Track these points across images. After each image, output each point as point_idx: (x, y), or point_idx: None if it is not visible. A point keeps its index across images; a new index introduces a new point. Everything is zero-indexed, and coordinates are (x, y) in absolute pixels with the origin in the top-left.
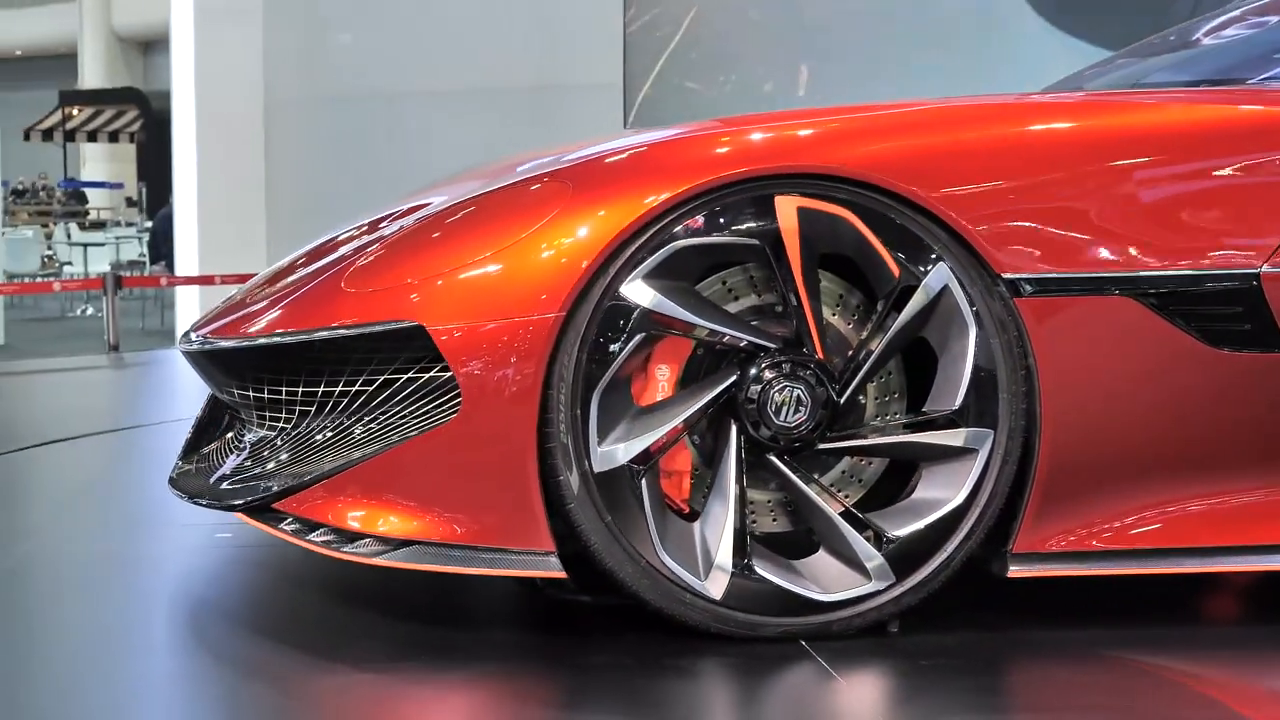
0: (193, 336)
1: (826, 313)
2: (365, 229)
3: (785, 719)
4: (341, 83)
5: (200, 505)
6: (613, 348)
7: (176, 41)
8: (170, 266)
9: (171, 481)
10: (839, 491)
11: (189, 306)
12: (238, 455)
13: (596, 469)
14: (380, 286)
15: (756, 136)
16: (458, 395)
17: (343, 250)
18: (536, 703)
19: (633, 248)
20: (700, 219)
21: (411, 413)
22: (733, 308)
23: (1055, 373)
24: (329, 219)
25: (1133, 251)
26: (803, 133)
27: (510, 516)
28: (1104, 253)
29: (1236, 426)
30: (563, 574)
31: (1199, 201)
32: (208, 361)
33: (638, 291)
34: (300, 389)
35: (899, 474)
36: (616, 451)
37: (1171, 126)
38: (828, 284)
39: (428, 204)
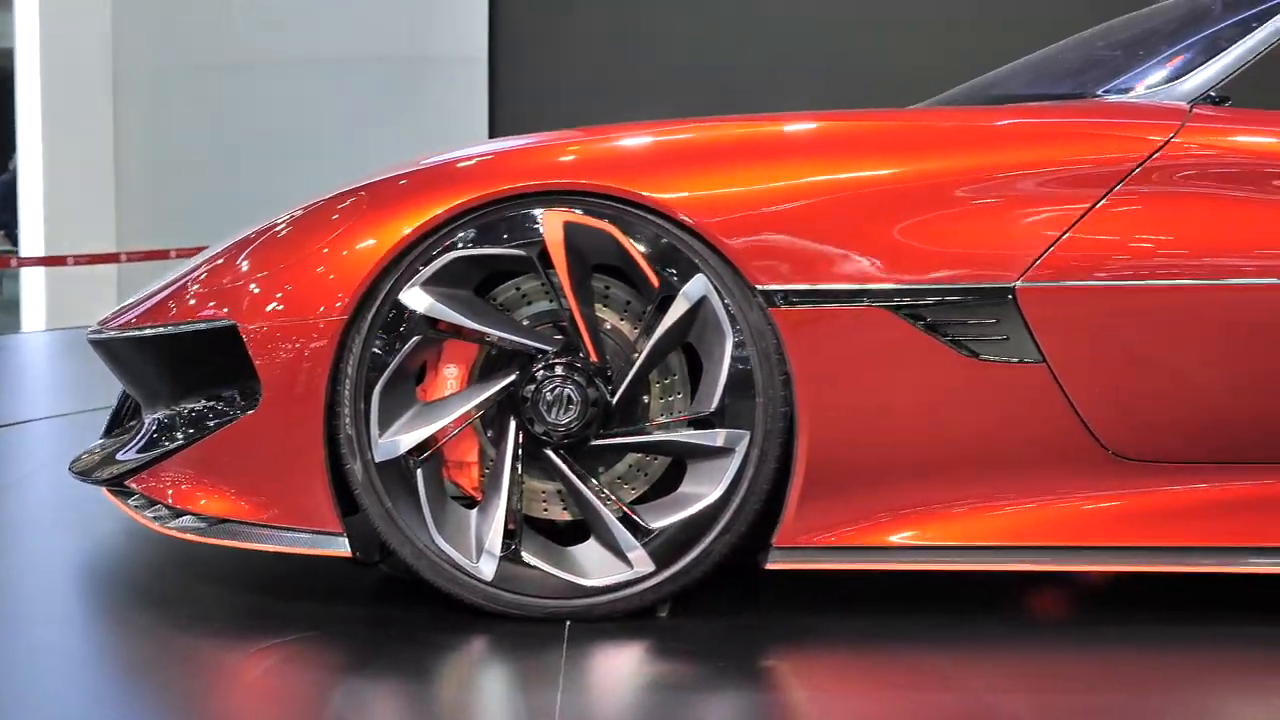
0: (93, 326)
1: (613, 317)
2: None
3: (520, 689)
4: (196, 50)
5: (75, 479)
6: (393, 348)
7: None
8: (11, 236)
9: (77, 459)
10: (625, 484)
11: (35, 280)
12: (118, 436)
13: (378, 458)
14: (213, 287)
15: (530, 154)
16: (260, 387)
17: (213, 249)
18: (323, 667)
19: (410, 257)
20: (474, 231)
21: (227, 402)
22: (526, 311)
23: (811, 379)
24: (182, 192)
25: (887, 264)
26: (571, 152)
27: (303, 500)
28: (858, 265)
29: (992, 432)
30: (348, 554)
31: (955, 216)
32: (99, 351)
33: (415, 298)
34: (156, 378)
35: (681, 470)
36: (398, 443)
37: (928, 140)
38: (616, 290)
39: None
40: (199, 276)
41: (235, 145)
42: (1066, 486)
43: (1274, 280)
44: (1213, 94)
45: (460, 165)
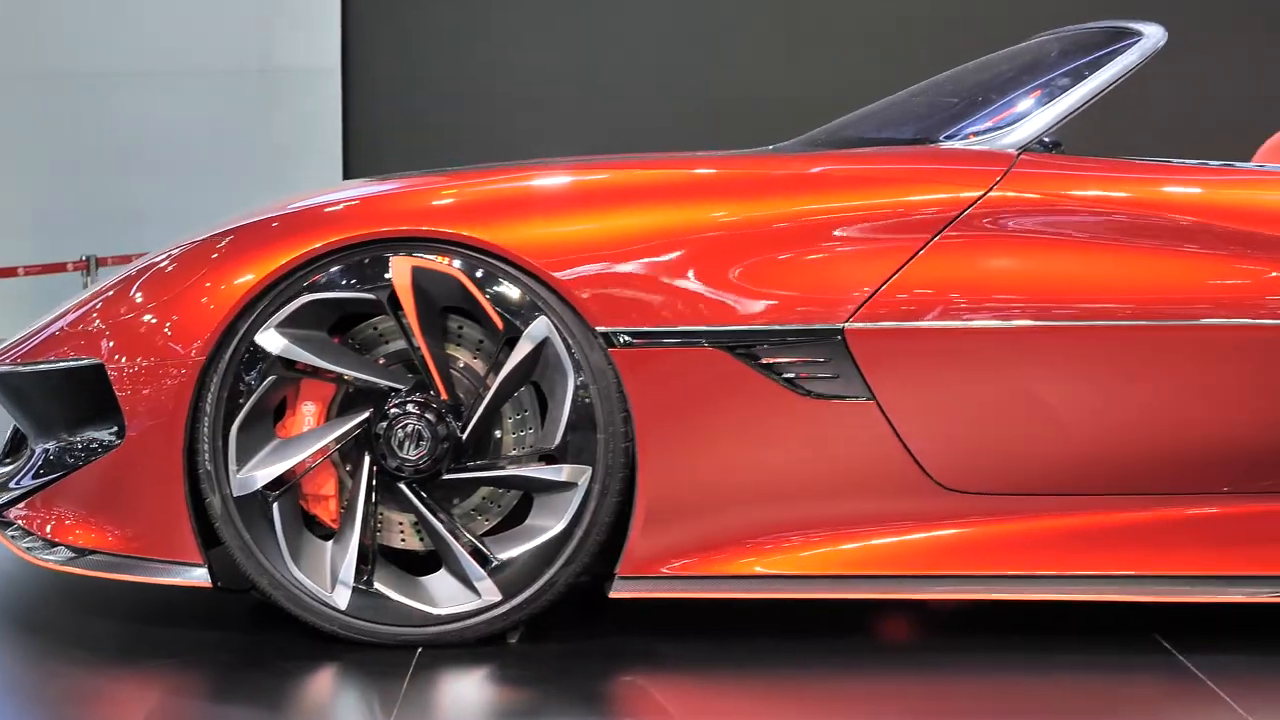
0: None
1: (466, 356)
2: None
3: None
4: (48, 59)
5: None
6: (249, 387)
7: None
8: None
9: None
10: (480, 515)
11: None
12: (5, 468)
13: (235, 493)
14: (86, 326)
15: (380, 202)
16: (124, 423)
17: (91, 290)
18: (174, 693)
19: (266, 300)
20: (327, 276)
21: (96, 437)
22: (384, 350)
23: (651, 417)
24: (30, 207)
25: (722, 306)
26: (419, 199)
27: (166, 533)
28: (695, 308)
29: (827, 466)
30: (208, 584)
31: (787, 259)
32: None
33: (270, 339)
34: (37, 413)
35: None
36: (254, 478)
37: (761, 186)
38: (469, 330)
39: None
40: (77, 315)
41: (87, 157)
42: (900, 517)
43: (1088, 323)
44: (1045, 140)
45: (316, 211)
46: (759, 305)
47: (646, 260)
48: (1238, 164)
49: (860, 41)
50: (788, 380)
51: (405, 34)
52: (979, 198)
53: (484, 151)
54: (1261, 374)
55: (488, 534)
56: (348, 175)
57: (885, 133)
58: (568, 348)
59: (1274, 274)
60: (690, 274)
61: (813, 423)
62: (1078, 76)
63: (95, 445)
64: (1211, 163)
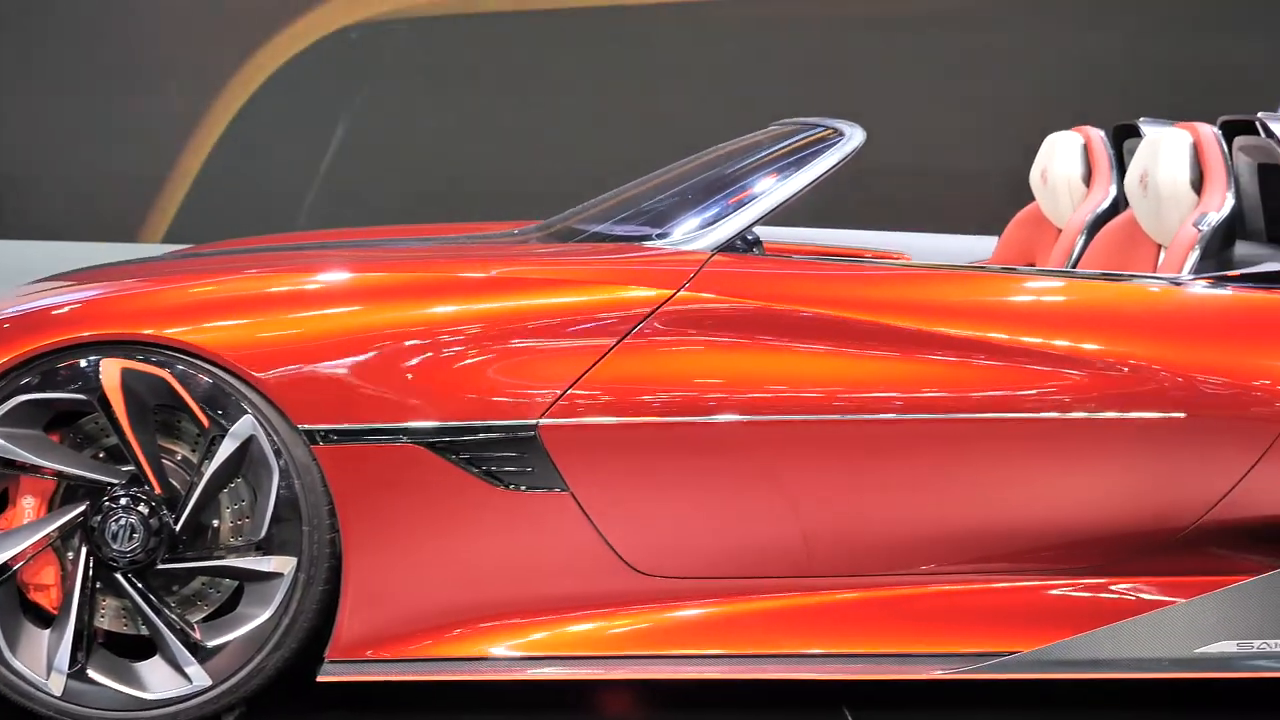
0: None
1: (185, 449)
2: None
3: None
4: None
5: None
6: None
7: None
8: None
9: None
10: (199, 602)
11: None
12: None
13: None
14: None
15: (90, 306)
16: None
17: None
18: None
19: None
20: (39, 377)
21: None
22: (107, 442)
23: (354, 510)
24: None
25: (421, 405)
26: (128, 302)
27: None
28: (394, 406)
29: (528, 555)
30: None
31: (484, 359)
32: None
33: None
34: None
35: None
36: None
37: (460, 287)
38: (187, 424)
39: None
40: None
41: None
42: (602, 601)
43: (765, 417)
44: (747, 238)
45: (28, 316)
46: (456, 403)
47: (346, 360)
48: (936, 264)
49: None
50: (487, 474)
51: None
52: (669, 298)
53: None
54: (942, 463)
55: (207, 619)
56: None
57: (607, 225)
58: (273, 444)
59: (953, 369)
60: (389, 373)
61: (513, 514)
62: (780, 177)
63: None
64: (913, 263)
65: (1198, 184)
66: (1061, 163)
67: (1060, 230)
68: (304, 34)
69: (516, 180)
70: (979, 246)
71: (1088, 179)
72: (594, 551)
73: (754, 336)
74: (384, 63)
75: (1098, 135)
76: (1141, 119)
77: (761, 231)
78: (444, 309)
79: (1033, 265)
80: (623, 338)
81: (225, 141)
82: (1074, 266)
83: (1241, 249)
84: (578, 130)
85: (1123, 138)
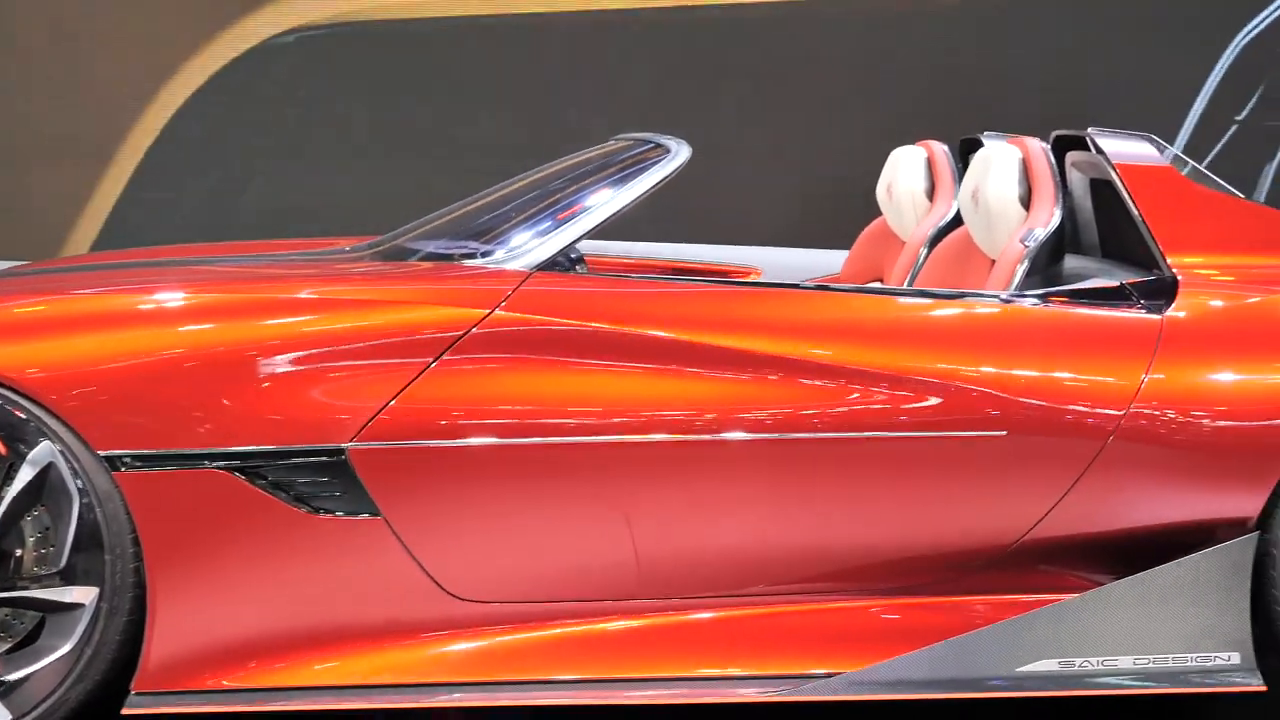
0: None
1: None
2: None
3: None
4: None
5: None
6: None
7: None
8: None
9: None
10: (3, 633)
11: None
12: None
13: None
14: None
15: None
16: None
17: None
18: None
19: None
20: None
21: None
22: None
23: (159, 538)
24: None
25: (226, 429)
26: None
27: None
28: (198, 431)
29: (342, 581)
30: None
31: (292, 382)
32: None
33: None
34: None
35: None
36: None
37: (266, 308)
38: None
39: None
40: None
41: None
42: (421, 628)
43: (579, 439)
44: (570, 255)
45: None
46: (263, 426)
47: (149, 385)
48: (758, 282)
49: None
50: (296, 498)
51: None
52: (483, 318)
53: None
54: (766, 484)
55: (9, 651)
56: None
57: (435, 243)
58: (73, 471)
59: (774, 388)
60: (194, 396)
61: (325, 539)
62: (603, 195)
63: None
64: (736, 281)
65: (1026, 199)
66: (905, 177)
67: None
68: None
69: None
70: (835, 261)
71: (931, 193)
72: (410, 577)
73: (572, 356)
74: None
75: (941, 149)
76: (985, 133)
77: (620, 247)
78: (251, 330)
79: (880, 279)
80: (435, 359)
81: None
82: (914, 280)
83: (1073, 263)
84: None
85: (968, 151)
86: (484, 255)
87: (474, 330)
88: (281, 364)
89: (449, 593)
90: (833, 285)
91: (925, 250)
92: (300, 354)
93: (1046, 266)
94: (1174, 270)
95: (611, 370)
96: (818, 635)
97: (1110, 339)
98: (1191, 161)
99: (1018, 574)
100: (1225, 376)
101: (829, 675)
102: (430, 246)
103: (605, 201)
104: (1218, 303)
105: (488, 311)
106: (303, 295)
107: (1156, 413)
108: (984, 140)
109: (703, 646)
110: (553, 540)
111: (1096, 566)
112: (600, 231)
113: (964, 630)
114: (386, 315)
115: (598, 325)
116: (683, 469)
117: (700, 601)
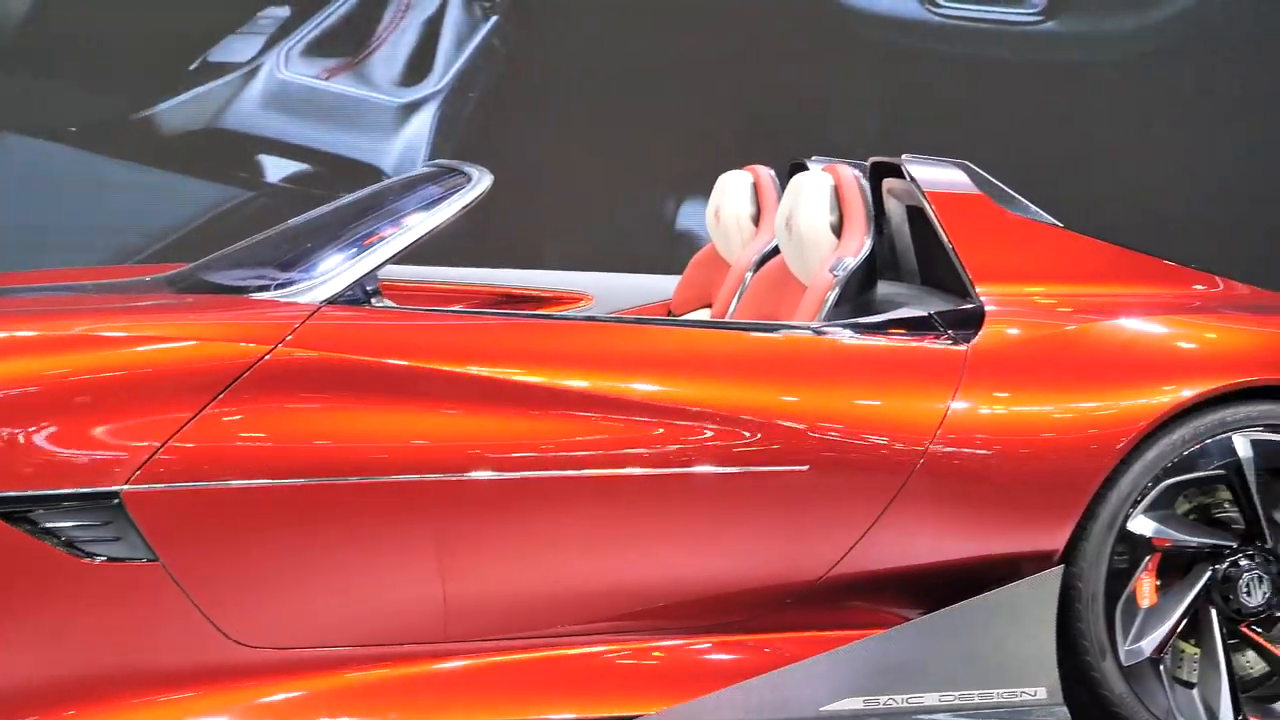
0: None
1: None
2: None
3: None
4: None
5: None
6: None
7: None
8: None
9: None
10: None
11: None
12: None
13: None
14: None
15: None
16: None
17: None
18: None
19: None
20: None
21: None
22: None
23: None
24: None
25: None
26: None
27: None
28: None
29: (120, 630)
30: None
31: (62, 423)
32: None
33: None
34: None
35: None
36: None
37: (32, 345)
38: None
39: None
40: None
41: None
42: (212, 676)
43: (364, 479)
44: (366, 287)
45: None
46: (31, 469)
47: None
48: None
49: None
50: (68, 544)
51: None
52: (265, 354)
53: None
54: (567, 521)
55: None
56: None
57: (230, 274)
58: None
59: (570, 424)
60: None
61: (100, 586)
62: (400, 226)
63: None
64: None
65: (838, 227)
66: (732, 201)
67: None
68: None
69: None
70: (668, 286)
71: (757, 218)
72: (192, 624)
73: (361, 393)
74: None
75: (767, 174)
76: (813, 157)
77: (451, 273)
78: (19, 368)
79: (709, 304)
80: (214, 398)
81: None
82: (736, 306)
83: (886, 291)
84: None
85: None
86: (278, 288)
87: (257, 367)
88: (53, 404)
89: (236, 640)
90: (628, 318)
91: (750, 275)
92: (74, 393)
93: (858, 295)
94: (982, 299)
95: (402, 407)
96: (633, 674)
97: (915, 370)
98: (1013, 191)
99: (829, 610)
100: (1029, 408)
101: (634, 718)
102: (223, 278)
103: (402, 233)
104: (1023, 332)
105: (271, 347)
106: (78, 332)
107: (960, 446)
108: (810, 165)
109: (515, 688)
110: (344, 582)
111: (905, 601)
112: (435, 255)
113: (777, 668)
114: (165, 351)
115: (386, 360)
116: (485, 507)
117: (511, 643)
